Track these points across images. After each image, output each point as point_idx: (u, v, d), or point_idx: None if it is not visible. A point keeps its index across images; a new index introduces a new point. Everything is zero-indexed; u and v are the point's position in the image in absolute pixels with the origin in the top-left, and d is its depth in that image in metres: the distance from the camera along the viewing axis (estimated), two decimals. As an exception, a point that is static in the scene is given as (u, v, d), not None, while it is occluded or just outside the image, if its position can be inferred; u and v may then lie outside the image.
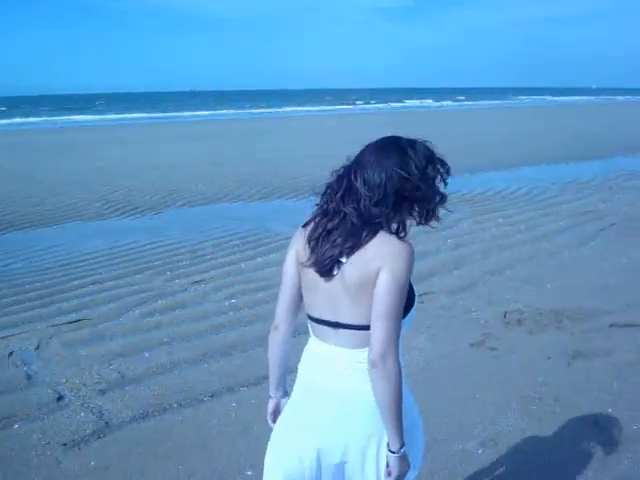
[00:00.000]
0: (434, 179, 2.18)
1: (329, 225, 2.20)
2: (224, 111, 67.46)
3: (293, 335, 2.50)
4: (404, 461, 2.17)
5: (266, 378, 5.24)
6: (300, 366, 2.43)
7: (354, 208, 2.14)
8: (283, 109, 72.63)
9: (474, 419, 4.47)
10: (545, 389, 4.86)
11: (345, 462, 2.26)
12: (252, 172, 18.63)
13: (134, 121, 51.79)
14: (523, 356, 5.56)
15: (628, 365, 5.22)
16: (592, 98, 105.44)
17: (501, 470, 3.87)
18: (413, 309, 2.23)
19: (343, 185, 2.19)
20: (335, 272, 2.16)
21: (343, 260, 2.14)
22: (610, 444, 4.07)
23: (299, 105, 79.19)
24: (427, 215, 2.22)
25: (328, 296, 2.20)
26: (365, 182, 2.13)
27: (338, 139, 28.59)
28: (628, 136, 29.17)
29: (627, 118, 46.08)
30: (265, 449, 4.18)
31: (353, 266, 2.13)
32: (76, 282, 8.22)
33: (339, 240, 2.15)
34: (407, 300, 2.14)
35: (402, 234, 2.17)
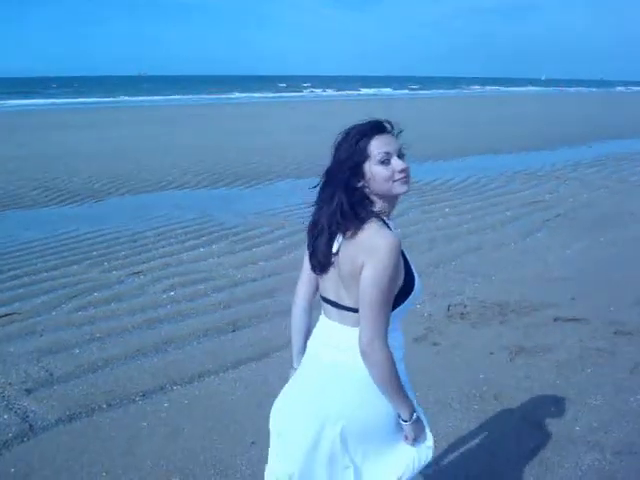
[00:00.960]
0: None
1: (319, 223, 2.36)
2: (175, 96, 66.43)
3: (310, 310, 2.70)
4: (417, 426, 2.35)
5: (200, 376, 5.12)
6: (309, 340, 2.60)
7: (337, 205, 2.29)
8: (235, 95, 71.85)
9: (414, 419, 4.33)
10: (487, 387, 4.75)
11: (338, 429, 2.34)
12: (200, 159, 18.31)
13: (83, 105, 50.66)
14: (466, 351, 5.45)
15: (571, 362, 5.13)
16: (542, 89, 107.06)
17: (439, 476, 3.72)
18: (412, 296, 2.36)
19: (326, 183, 2.37)
20: (329, 268, 2.36)
21: (334, 250, 2.31)
22: (553, 446, 3.96)
23: (251, 91, 78.49)
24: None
25: (331, 280, 2.38)
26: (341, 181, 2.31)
27: (290, 126, 28.45)
28: (575, 127, 29.54)
29: (575, 109, 46.73)
30: (194, 454, 4.03)
31: (344, 258, 2.27)
32: (9, 273, 7.91)
33: (326, 238, 2.33)
34: (405, 286, 2.31)
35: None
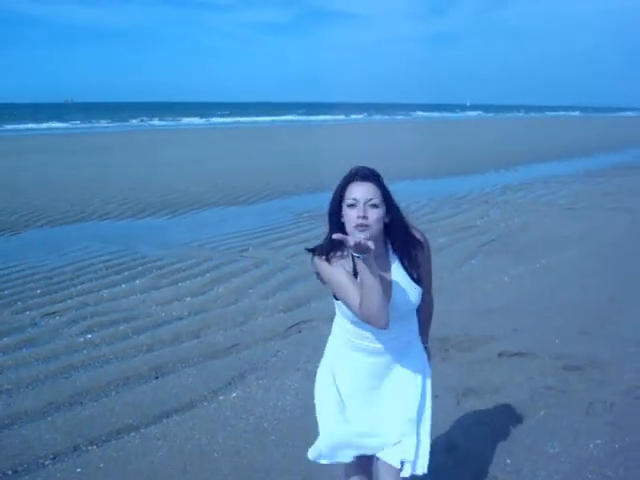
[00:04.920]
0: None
1: None
2: (103, 123, 65.39)
3: None
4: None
5: (119, 433, 4.56)
6: None
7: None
8: (154, 121, 71.06)
9: None
10: (436, 436, 4.35)
11: None
12: (123, 187, 17.67)
13: (3, 133, 48.98)
14: (409, 394, 5.06)
15: (522, 403, 4.79)
16: (474, 114, 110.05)
17: None
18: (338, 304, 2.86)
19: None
20: None
21: None
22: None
23: (179, 116, 77.95)
24: None
25: None
26: None
27: (212, 153, 27.98)
28: (499, 151, 29.92)
29: (498, 134, 47.58)
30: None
31: None
32: None
33: None
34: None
35: None
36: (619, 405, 4.76)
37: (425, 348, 3.17)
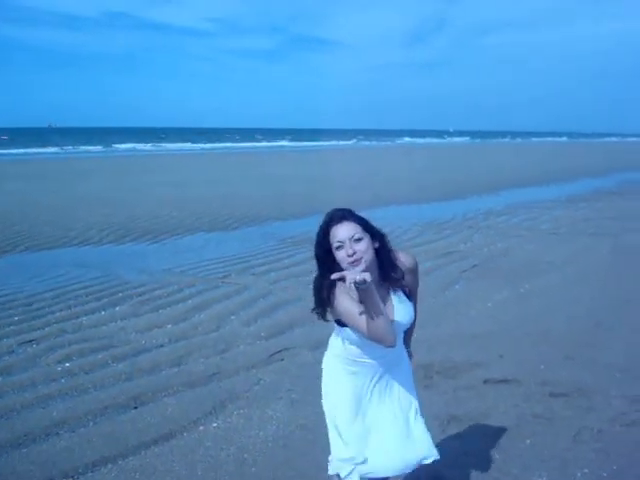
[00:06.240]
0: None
1: None
2: (86, 147, 65.35)
3: None
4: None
5: (95, 465, 4.44)
6: None
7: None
8: (141, 146, 71.05)
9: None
10: (421, 466, 4.26)
11: None
12: (104, 213, 17.55)
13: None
14: (393, 422, 4.97)
15: (508, 431, 4.70)
16: (460, 140, 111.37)
17: None
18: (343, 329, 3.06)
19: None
20: None
21: None
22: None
23: (163, 142, 77.99)
24: None
25: None
26: None
27: (196, 179, 27.91)
28: (482, 177, 30.07)
29: (481, 160, 47.88)
30: None
31: None
32: None
33: None
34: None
35: None
36: (606, 432, 4.69)
37: (408, 352, 3.46)
